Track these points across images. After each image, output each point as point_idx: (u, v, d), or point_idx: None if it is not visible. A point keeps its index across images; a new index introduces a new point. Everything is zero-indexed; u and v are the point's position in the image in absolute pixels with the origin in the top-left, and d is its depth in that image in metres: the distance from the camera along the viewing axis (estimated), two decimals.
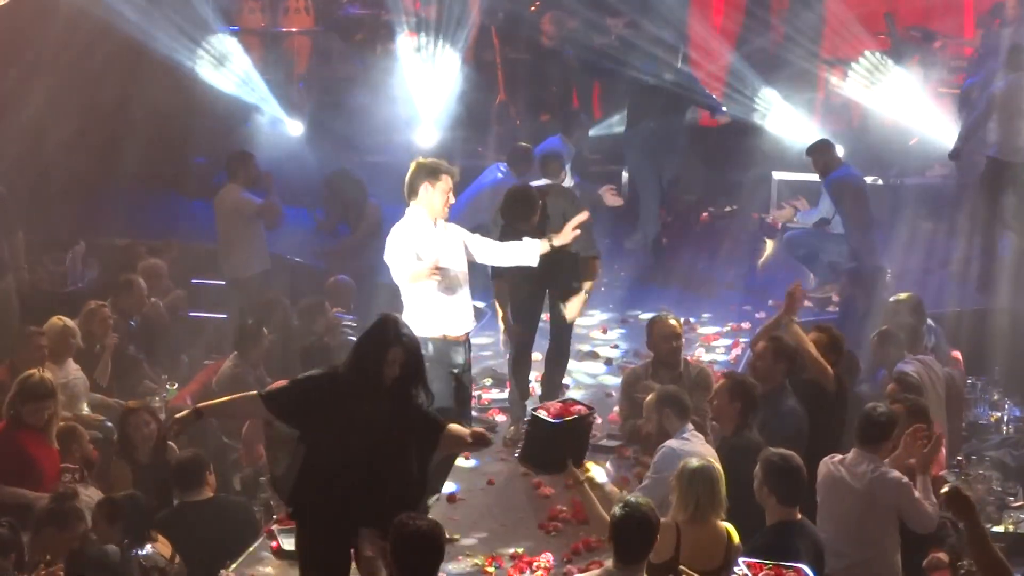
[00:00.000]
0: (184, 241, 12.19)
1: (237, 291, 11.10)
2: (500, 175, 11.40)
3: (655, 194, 12.44)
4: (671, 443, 6.85)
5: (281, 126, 14.43)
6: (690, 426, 7.00)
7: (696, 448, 6.80)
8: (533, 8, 15.02)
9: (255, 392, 6.48)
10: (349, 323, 10.44)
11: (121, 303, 10.16)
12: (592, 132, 14.00)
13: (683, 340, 8.45)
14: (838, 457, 6.79)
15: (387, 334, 6.11)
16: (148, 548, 6.70)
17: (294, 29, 15.73)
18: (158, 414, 8.19)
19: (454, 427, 6.38)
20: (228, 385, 9.08)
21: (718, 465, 6.29)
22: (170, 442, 7.80)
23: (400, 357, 6.09)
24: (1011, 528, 7.82)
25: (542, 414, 6.70)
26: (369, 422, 6.06)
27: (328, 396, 6.11)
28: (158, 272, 11.03)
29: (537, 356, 9.10)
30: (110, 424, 8.67)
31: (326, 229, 12.80)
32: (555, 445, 6.61)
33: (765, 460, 6.26)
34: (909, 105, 13.52)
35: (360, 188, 12.43)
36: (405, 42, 14.47)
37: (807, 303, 11.72)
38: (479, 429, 6.69)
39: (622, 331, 11.20)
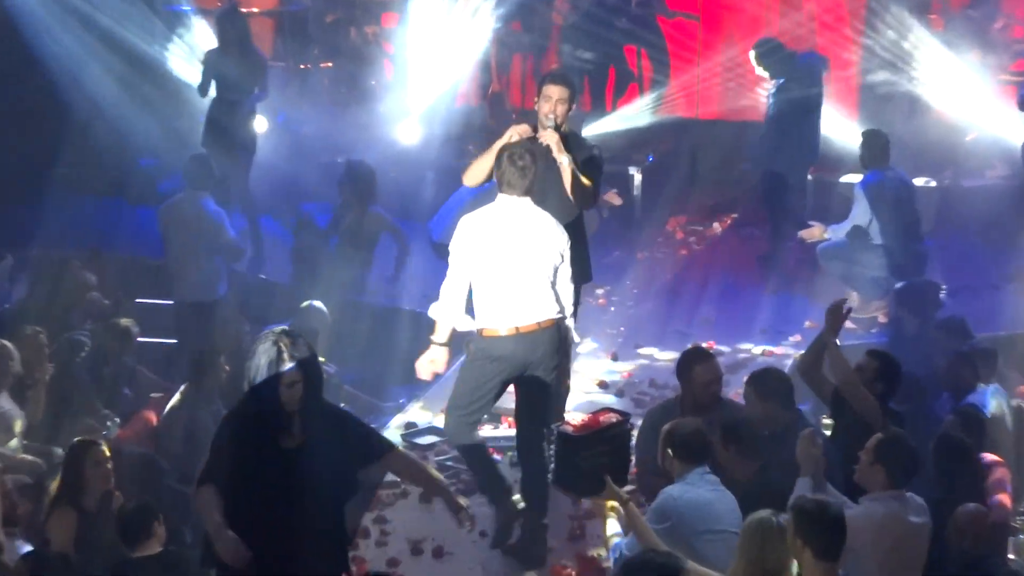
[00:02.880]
0: (125, 253, 12.19)
1: (191, 315, 11.11)
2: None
3: None
4: (671, 489, 6.83)
5: None
6: (704, 468, 6.95)
7: (702, 495, 6.79)
8: None
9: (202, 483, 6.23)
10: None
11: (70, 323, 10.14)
12: (602, 128, 14.11)
13: (722, 381, 8.22)
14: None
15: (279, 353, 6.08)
16: None
17: (255, 9, 15.79)
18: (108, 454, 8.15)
19: (411, 458, 6.43)
20: (178, 423, 9.09)
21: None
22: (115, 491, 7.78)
23: (297, 377, 6.10)
24: None
25: (567, 429, 6.71)
26: (281, 464, 6.09)
27: (235, 443, 6.14)
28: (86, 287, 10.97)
29: None
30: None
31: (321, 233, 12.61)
32: (587, 462, 6.62)
33: (798, 508, 6.26)
34: (965, 96, 13.57)
35: (373, 188, 12.33)
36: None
37: (849, 324, 11.79)
38: (457, 500, 6.44)
39: (637, 361, 11.25)
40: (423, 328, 11.32)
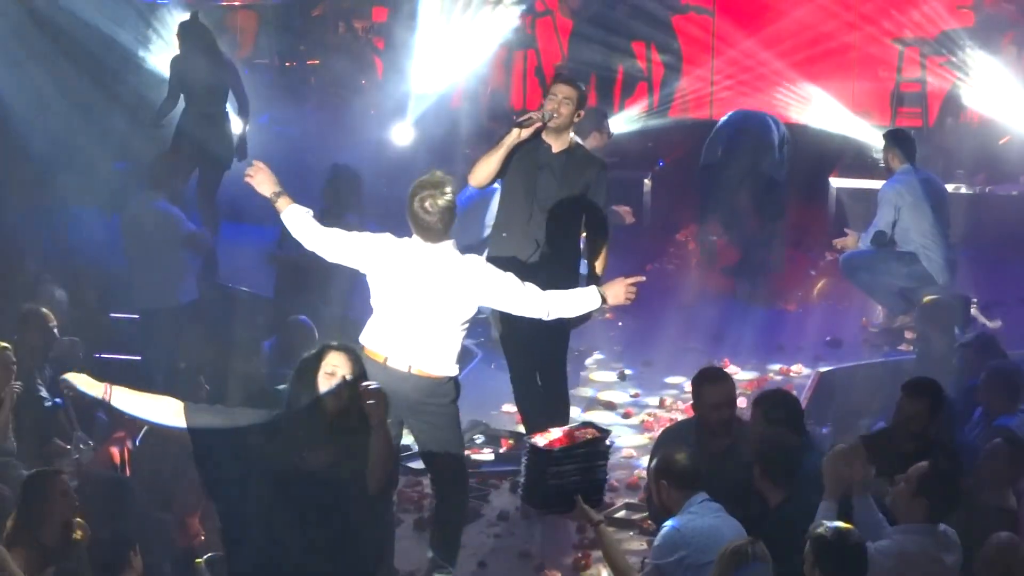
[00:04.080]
0: (91, 264, 12.21)
1: (157, 326, 11.12)
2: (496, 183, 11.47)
3: None
4: (673, 522, 6.85)
5: None
6: (703, 495, 6.95)
7: (706, 522, 6.80)
8: None
9: (182, 403, 6.47)
10: None
11: (29, 341, 10.14)
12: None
13: (736, 404, 8.05)
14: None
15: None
16: None
17: (236, 2, 15.86)
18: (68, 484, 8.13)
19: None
20: (155, 447, 9.13)
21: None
22: (78, 519, 7.75)
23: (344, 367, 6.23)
24: None
25: (540, 441, 6.74)
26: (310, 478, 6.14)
27: (256, 448, 6.20)
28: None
29: None
30: None
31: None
32: (559, 479, 6.65)
33: (816, 536, 6.29)
34: (999, 95, 13.62)
35: (358, 194, 12.37)
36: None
37: (874, 341, 11.84)
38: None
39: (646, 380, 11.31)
40: None
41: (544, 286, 7.62)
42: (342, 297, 11.95)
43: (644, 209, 14.17)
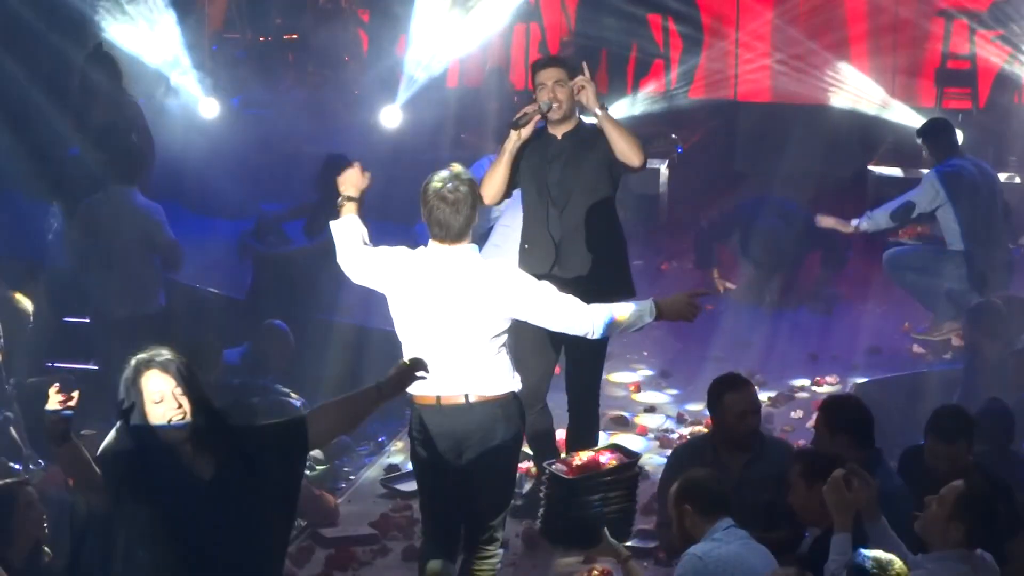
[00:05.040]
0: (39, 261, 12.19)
1: (128, 331, 11.07)
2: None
3: None
4: (696, 549, 6.84)
5: (190, 105, 14.51)
6: (728, 521, 6.95)
7: (731, 549, 6.77)
8: None
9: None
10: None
11: None
12: (622, 113, 14.14)
13: (761, 413, 8.24)
14: None
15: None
16: None
17: None
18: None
19: (326, 403, 6.46)
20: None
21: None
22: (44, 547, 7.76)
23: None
24: None
25: (560, 469, 6.69)
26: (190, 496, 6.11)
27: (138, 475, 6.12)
28: None
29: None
30: None
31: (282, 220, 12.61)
32: (581, 510, 6.62)
33: (856, 571, 6.28)
34: None
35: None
36: None
37: (918, 349, 11.82)
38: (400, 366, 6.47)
39: (666, 391, 11.26)
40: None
41: (589, 296, 7.45)
42: (329, 299, 11.95)
43: (660, 201, 14.16)
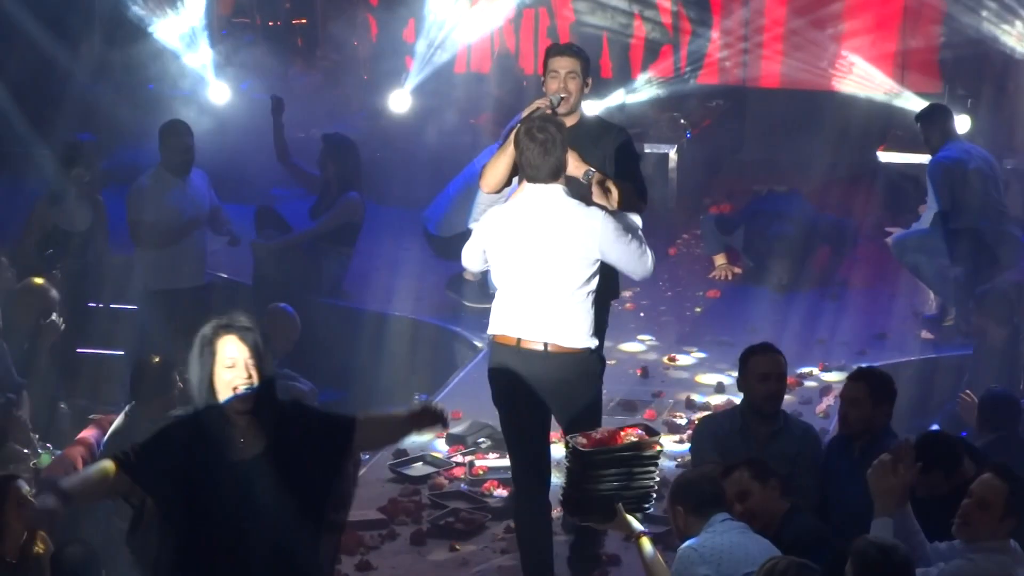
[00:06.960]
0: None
1: (160, 308, 11.11)
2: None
3: None
4: (690, 542, 6.84)
5: (200, 90, 14.54)
6: (724, 515, 6.87)
7: (727, 538, 6.75)
8: None
9: (111, 458, 6.19)
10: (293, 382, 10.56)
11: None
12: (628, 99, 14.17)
13: (786, 381, 8.34)
14: None
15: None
16: None
17: None
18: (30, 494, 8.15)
19: (373, 415, 6.45)
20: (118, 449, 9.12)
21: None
22: (41, 532, 7.78)
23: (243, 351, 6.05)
24: None
25: (580, 442, 6.75)
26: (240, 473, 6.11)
27: (185, 448, 6.16)
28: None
29: None
30: None
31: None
32: (598, 484, 6.67)
33: (858, 552, 6.28)
34: None
35: (357, 169, 12.33)
36: None
37: (926, 335, 11.83)
38: (429, 406, 6.45)
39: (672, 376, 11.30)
40: (416, 338, 11.40)
41: None
42: (332, 285, 11.98)
43: (669, 186, 14.16)
